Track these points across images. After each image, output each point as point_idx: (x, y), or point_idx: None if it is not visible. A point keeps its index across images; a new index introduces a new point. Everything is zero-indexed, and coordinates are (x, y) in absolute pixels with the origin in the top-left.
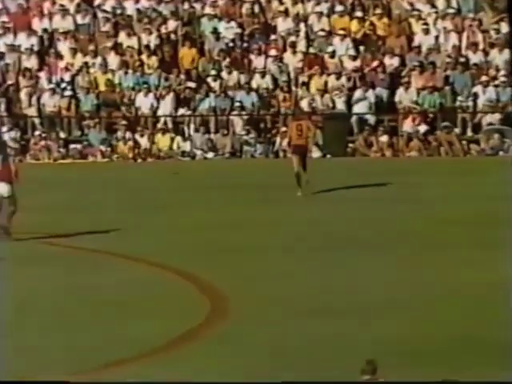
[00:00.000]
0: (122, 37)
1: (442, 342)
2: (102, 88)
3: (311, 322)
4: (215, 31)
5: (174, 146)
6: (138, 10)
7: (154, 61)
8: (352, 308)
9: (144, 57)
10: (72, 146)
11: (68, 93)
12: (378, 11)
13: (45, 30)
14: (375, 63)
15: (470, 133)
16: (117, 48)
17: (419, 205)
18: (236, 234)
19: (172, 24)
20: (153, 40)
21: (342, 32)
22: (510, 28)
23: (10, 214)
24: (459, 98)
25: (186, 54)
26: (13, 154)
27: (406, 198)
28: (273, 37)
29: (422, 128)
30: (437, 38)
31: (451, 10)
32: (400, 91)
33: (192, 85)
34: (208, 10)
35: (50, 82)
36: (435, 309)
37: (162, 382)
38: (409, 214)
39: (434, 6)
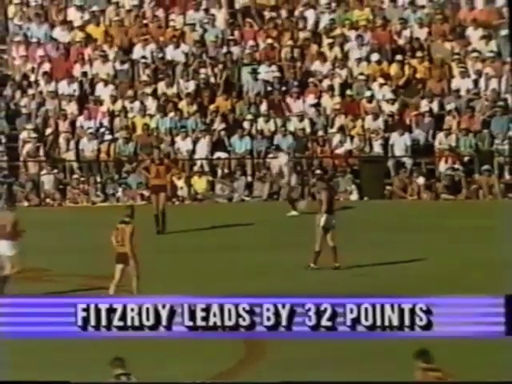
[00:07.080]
0: (161, 83)
1: None
2: (139, 131)
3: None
4: (254, 71)
5: (217, 189)
6: (178, 56)
7: (192, 105)
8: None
9: (183, 103)
10: (110, 189)
11: (107, 137)
12: (419, 54)
13: (84, 74)
14: (418, 111)
15: (507, 176)
16: (156, 93)
17: (458, 247)
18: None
19: (211, 68)
20: (191, 86)
21: (381, 78)
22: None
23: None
24: (496, 141)
25: (223, 99)
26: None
27: (445, 240)
28: (311, 80)
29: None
30: (476, 81)
31: (491, 54)
32: (440, 135)
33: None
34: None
35: (88, 126)
36: None
37: (162, 382)
38: (447, 256)
39: (475, 49)
